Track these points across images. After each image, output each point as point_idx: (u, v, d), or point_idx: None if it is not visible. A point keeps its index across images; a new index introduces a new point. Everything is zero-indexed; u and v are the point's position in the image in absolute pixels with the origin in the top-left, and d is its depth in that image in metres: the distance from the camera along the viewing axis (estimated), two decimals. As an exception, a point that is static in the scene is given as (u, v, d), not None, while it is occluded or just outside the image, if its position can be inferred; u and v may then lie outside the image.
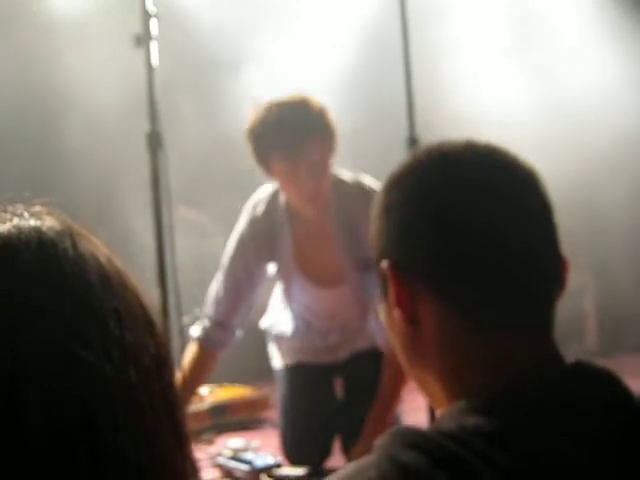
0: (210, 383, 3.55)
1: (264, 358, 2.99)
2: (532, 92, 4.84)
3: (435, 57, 4.46)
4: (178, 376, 2.48)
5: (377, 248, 0.92)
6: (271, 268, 2.69)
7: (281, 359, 2.88)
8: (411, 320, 0.88)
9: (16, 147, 4.21)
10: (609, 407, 0.81)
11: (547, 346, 0.87)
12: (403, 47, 2.78)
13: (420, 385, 0.93)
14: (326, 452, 2.76)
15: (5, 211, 0.64)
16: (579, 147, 4.57)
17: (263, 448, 2.86)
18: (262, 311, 2.90)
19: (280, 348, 2.88)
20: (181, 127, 4.09)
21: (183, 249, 2.71)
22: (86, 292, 0.60)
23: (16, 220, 0.62)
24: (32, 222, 0.62)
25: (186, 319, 2.71)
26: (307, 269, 2.68)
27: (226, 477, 2.67)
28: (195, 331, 2.62)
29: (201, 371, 2.60)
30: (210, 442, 3.15)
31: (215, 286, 2.65)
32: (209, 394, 3.61)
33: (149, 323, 0.65)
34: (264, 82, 4.55)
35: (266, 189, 2.67)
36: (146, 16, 2.49)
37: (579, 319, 4.90)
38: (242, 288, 2.62)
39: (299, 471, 2.57)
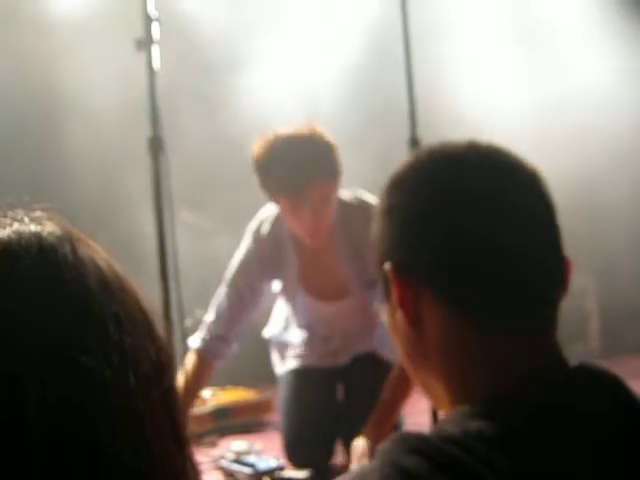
0: (213, 386, 3.55)
1: (267, 361, 3.00)
2: (534, 92, 4.84)
3: (437, 58, 4.46)
4: (180, 379, 2.49)
5: (379, 249, 0.92)
6: (275, 285, 2.73)
7: (284, 365, 2.89)
8: (414, 321, 0.87)
9: (17, 152, 4.21)
10: (612, 410, 0.81)
11: (549, 349, 0.87)
12: (405, 48, 2.78)
13: (423, 387, 0.93)
14: (329, 454, 2.76)
15: (5, 216, 0.64)
16: (581, 148, 4.56)
17: (266, 451, 2.86)
18: (266, 314, 2.92)
19: (283, 355, 2.90)
20: (183, 131, 4.09)
21: (185, 252, 2.71)
22: (85, 297, 0.60)
23: (16, 225, 0.62)
24: (32, 227, 0.62)
25: (188, 322, 2.72)
26: (311, 286, 2.72)
27: (229, 480, 2.67)
28: (194, 342, 2.64)
29: (198, 381, 2.64)
30: (213, 445, 3.15)
31: (218, 299, 2.68)
32: (212, 397, 3.61)
33: (149, 328, 0.64)
34: (266, 86, 4.56)
35: (271, 208, 2.67)
36: (148, 20, 2.49)
37: (581, 320, 4.89)
38: (245, 303, 2.66)
39: (302, 474, 2.56)
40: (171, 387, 0.65)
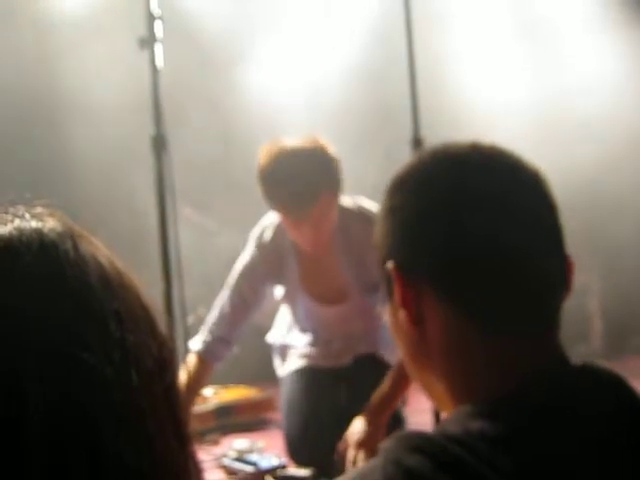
0: (215, 384, 3.55)
1: (269, 360, 3.00)
2: (536, 92, 4.83)
3: (439, 58, 4.45)
4: (182, 376, 2.50)
5: (382, 249, 0.92)
6: (278, 290, 2.77)
7: (286, 366, 2.91)
8: (416, 320, 0.87)
9: (19, 149, 4.21)
10: (615, 410, 0.80)
11: (551, 350, 0.86)
12: (407, 48, 2.78)
13: (424, 387, 0.93)
14: (331, 453, 2.76)
15: (6, 212, 0.63)
16: (583, 147, 4.56)
17: (268, 449, 2.86)
18: (270, 317, 2.94)
19: (285, 357, 2.92)
20: (186, 129, 4.09)
21: (188, 250, 2.72)
22: (87, 294, 0.60)
23: (17, 222, 0.62)
24: (33, 224, 0.62)
25: (190, 319, 2.73)
26: (312, 290, 2.76)
27: (231, 478, 2.67)
28: (195, 344, 2.65)
29: (198, 382, 2.67)
30: (215, 443, 3.15)
31: (220, 302, 2.72)
32: (214, 395, 3.61)
33: (151, 324, 0.64)
34: (269, 84, 4.57)
35: (273, 215, 2.70)
36: (151, 18, 2.49)
37: (584, 320, 4.88)
38: (248, 306, 2.71)
39: (304, 472, 2.56)
40: (173, 383, 0.65)
